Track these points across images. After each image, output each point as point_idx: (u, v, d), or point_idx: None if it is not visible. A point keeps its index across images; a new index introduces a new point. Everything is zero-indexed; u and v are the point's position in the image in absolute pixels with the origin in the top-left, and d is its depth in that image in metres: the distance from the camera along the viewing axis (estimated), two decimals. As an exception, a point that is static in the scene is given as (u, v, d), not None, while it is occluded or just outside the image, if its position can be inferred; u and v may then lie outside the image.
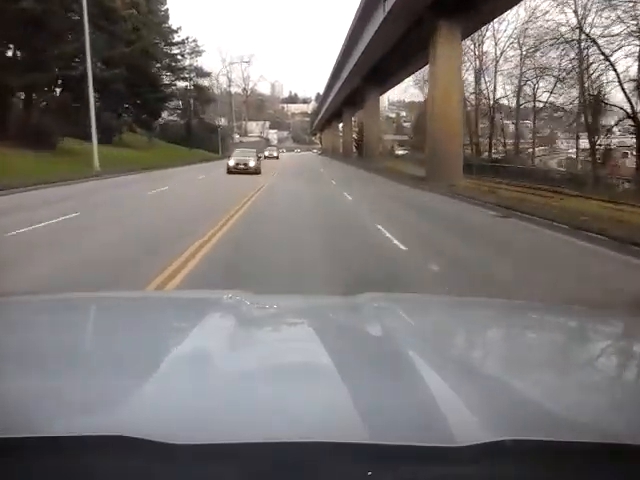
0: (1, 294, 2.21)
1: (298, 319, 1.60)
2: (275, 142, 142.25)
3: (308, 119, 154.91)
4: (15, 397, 0.83)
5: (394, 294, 2.84)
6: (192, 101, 57.91)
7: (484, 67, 49.99)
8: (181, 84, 57.40)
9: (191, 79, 57.91)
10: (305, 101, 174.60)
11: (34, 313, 1.50)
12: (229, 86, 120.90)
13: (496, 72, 49.69)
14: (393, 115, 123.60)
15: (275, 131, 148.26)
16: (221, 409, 0.79)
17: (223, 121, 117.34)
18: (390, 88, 52.52)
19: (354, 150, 68.94)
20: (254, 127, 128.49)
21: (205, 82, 63.79)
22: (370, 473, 0.64)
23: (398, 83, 50.87)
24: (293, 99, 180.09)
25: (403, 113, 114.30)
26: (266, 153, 56.91)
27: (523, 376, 1.04)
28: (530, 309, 1.86)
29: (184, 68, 55.82)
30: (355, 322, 1.48)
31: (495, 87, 50.57)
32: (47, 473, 0.65)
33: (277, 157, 59.40)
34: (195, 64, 58.86)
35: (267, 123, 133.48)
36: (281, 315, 1.65)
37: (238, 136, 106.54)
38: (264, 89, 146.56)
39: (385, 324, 1.33)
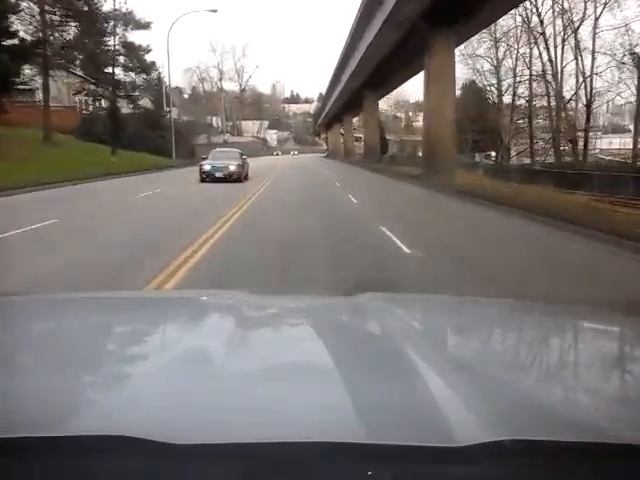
0: (1, 294, 1.90)
1: (298, 319, 1.56)
2: (275, 143, 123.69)
3: (311, 119, 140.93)
4: (15, 397, 0.83)
5: (394, 294, 2.60)
6: (113, 68, 32.61)
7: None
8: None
9: (114, 32, 32.39)
10: (307, 101, 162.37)
11: (34, 313, 1.47)
12: (220, 79, 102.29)
13: (595, 36, 30.39)
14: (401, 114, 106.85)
15: (275, 131, 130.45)
16: (221, 409, 0.78)
17: (214, 120, 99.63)
18: (482, 27, 28.96)
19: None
20: (251, 127, 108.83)
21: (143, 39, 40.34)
22: (370, 473, 0.62)
23: (498, 17, 27.78)
24: (295, 99, 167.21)
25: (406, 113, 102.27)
26: (206, 167, 22.31)
27: (523, 376, 1.03)
28: (530, 309, 1.79)
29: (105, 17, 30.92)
30: (355, 322, 1.46)
31: (593, 56, 31.01)
32: (47, 473, 0.64)
33: (242, 176, 22.74)
34: (125, 10, 32.90)
35: (265, 122, 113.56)
36: (281, 315, 1.62)
37: (229, 135, 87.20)
38: (264, 88, 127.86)
39: (385, 324, 1.32)
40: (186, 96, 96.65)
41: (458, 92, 55.91)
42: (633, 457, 0.67)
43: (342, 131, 76.35)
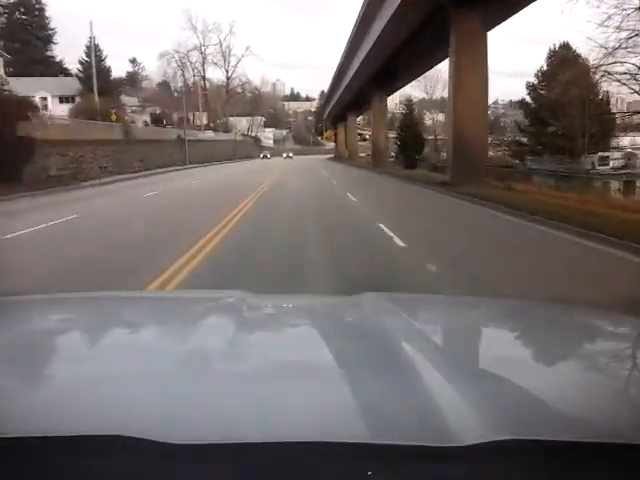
0: (1, 294, 1.88)
1: (298, 319, 1.54)
2: (270, 143, 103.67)
3: (312, 117, 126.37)
4: (15, 397, 0.82)
5: (395, 294, 2.49)
6: None
7: None
8: None
9: None
10: (308, 99, 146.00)
11: (34, 313, 1.46)
12: (203, 63, 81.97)
13: None
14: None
15: (272, 129, 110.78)
16: (221, 409, 0.77)
17: (197, 116, 79.56)
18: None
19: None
20: (244, 124, 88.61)
21: None
22: (370, 473, 0.62)
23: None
24: (295, 97, 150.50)
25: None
26: None
27: (523, 376, 1.00)
28: (531, 308, 1.77)
29: None
30: (355, 322, 1.44)
31: None
32: (47, 473, 0.64)
33: None
34: None
35: (258, 119, 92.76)
36: (281, 315, 1.60)
37: (212, 133, 67.04)
38: (256, 78, 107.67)
39: (385, 324, 1.30)
40: (176, 94, 76.73)
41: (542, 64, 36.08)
42: (633, 457, 0.66)
43: (364, 129, 56.02)
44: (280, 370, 0.95)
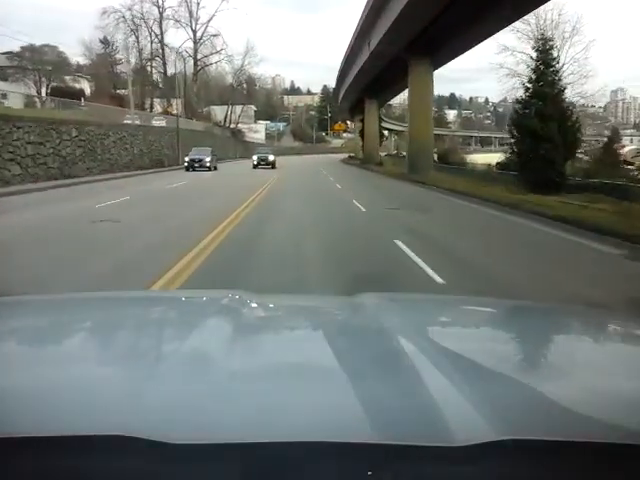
0: (1, 294, 1.88)
1: (298, 319, 1.53)
2: (261, 138, 78.35)
3: (314, 112, 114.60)
4: (15, 397, 0.81)
5: (395, 294, 2.52)
6: None
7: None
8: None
9: None
10: (310, 92, 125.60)
11: (34, 313, 1.44)
12: (160, 22, 55.95)
13: None
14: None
15: (266, 122, 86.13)
16: (221, 409, 0.76)
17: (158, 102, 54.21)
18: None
19: None
20: (234, 116, 63.11)
21: None
22: (370, 473, 0.61)
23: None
24: (295, 91, 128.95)
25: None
26: None
27: (524, 376, 1.00)
28: (531, 309, 1.77)
29: None
30: (356, 322, 1.43)
31: None
32: (47, 473, 0.63)
33: None
34: None
35: (245, 107, 66.45)
36: (281, 315, 1.59)
37: (164, 121, 41.72)
38: (238, 48, 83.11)
39: (386, 324, 1.28)
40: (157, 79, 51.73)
41: None
42: (633, 457, 0.65)
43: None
44: (280, 370, 0.94)
